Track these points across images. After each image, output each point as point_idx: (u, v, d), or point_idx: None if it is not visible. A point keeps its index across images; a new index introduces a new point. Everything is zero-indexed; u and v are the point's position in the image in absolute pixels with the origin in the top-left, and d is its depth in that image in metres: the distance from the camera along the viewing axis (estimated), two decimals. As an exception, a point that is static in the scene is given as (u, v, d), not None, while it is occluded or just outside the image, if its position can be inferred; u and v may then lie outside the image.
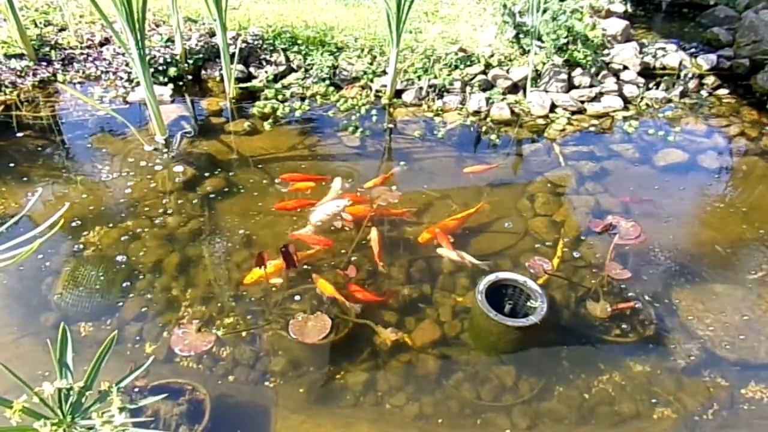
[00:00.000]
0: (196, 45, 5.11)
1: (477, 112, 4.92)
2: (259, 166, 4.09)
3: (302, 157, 4.24)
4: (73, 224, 3.48)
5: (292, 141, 4.45)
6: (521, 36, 5.28)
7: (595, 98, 5.14)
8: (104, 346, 1.83)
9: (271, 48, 5.22)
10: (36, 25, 5.18)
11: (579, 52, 5.15)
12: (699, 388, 2.80)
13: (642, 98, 5.24)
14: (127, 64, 4.95)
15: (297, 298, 3.07)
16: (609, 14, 5.81)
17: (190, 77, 5.09)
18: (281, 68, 5.11)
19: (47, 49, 5.01)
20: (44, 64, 4.91)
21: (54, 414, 1.71)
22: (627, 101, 5.18)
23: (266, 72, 5.04)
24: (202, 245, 3.36)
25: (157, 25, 5.31)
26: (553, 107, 5.02)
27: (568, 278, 3.29)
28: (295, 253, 3.11)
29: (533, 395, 2.72)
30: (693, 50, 5.81)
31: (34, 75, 4.80)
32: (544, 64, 5.15)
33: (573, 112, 5.01)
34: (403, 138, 4.59)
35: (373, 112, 4.86)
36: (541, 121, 4.88)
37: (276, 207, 3.49)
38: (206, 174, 3.97)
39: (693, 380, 2.84)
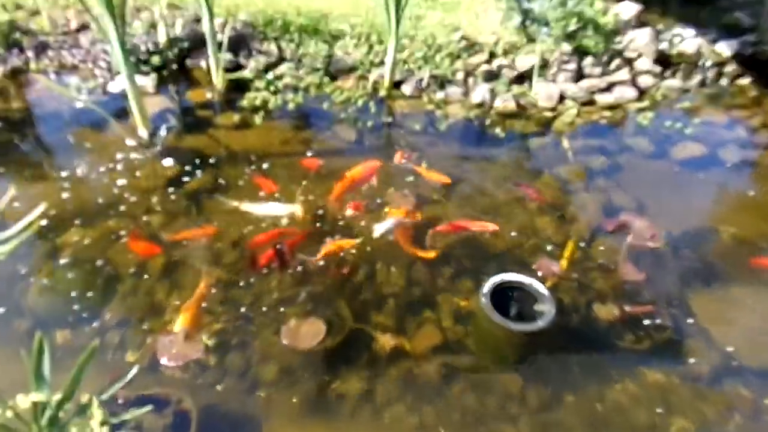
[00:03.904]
0: (181, 32, 5.10)
1: (480, 105, 4.92)
2: (250, 162, 4.09)
3: (295, 152, 4.25)
4: (50, 224, 3.48)
5: (285, 135, 4.45)
6: (528, 23, 5.29)
7: (607, 89, 5.14)
8: (85, 355, 1.82)
9: (262, 36, 5.22)
10: (5, 9, 5.11)
11: (589, 39, 5.16)
12: (719, 398, 2.80)
13: (657, 88, 5.24)
14: (106, 53, 4.93)
15: (291, 301, 3.10)
16: (621, -2, 5.85)
17: (174, 67, 5.08)
18: (272, 58, 5.12)
19: (18, 35, 4.95)
20: (15, 51, 4.87)
21: (29, 429, 1.70)
22: (641, 91, 5.19)
23: (257, 62, 5.05)
24: (188, 246, 3.36)
25: (139, 11, 5.30)
26: (561, 99, 5.03)
27: (578, 280, 3.31)
28: (290, 253, 3.14)
29: (541, 405, 2.73)
30: (712, 36, 5.81)
31: (5, 63, 4.77)
32: (552, 52, 5.15)
33: (583, 104, 5.01)
34: (402, 132, 4.60)
35: (371, 104, 4.86)
36: (548, 114, 4.89)
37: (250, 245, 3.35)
38: (192, 170, 3.97)
39: (712, 389, 2.84)
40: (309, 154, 4.21)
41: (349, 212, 3.54)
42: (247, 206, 3.56)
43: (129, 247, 3.29)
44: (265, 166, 4.04)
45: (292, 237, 3.32)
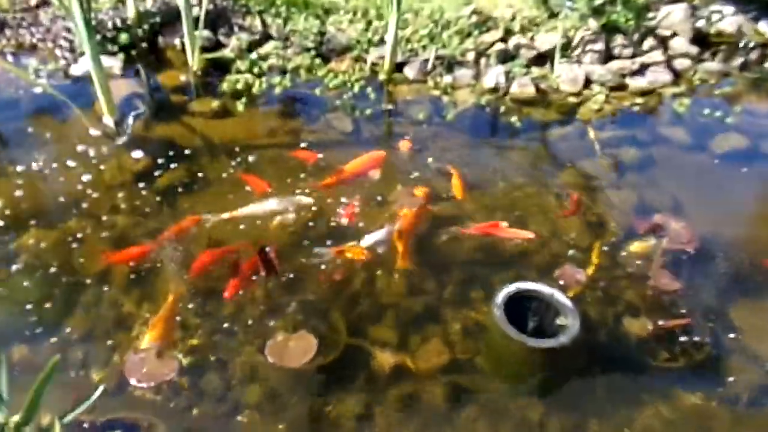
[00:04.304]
0: (152, 6, 5.11)
1: (494, 90, 4.93)
2: (232, 154, 4.10)
3: (284, 144, 4.25)
4: (3, 225, 3.49)
5: (271, 124, 4.45)
6: (549, -5, 5.33)
7: (639, 71, 5.16)
8: (45, 373, 1.84)
9: (244, 10, 5.23)
10: (-42, -15, 5.19)
11: (619, 14, 5.17)
12: (763, 423, 2.82)
13: (694, 71, 5.27)
14: (68, 31, 4.94)
15: (278, 312, 3.11)
16: (655, -31, 5.87)
17: (144, 46, 5.09)
18: (256, 35, 5.13)
19: (-29, 13, 5.02)
20: (-33, 30, 4.93)
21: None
22: (677, 75, 5.22)
23: (238, 40, 5.05)
24: (161, 251, 3.37)
25: (105, -18, 5.34)
26: (587, 83, 5.03)
27: (606, 290, 3.32)
28: (275, 258, 3.16)
29: (563, 432, 2.78)
30: (754, 13, 5.81)
31: (-46, 43, 4.81)
32: (576, 29, 5.16)
33: (612, 89, 5.02)
34: (404, 121, 4.61)
35: (369, 89, 4.87)
36: (572, 100, 4.90)
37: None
38: (165, 164, 3.97)
39: (755, 414, 2.85)
40: (303, 145, 4.24)
41: (343, 220, 3.56)
42: (245, 210, 3.55)
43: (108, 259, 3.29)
44: (251, 159, 4.07)
45: (244, 255, 3.29)
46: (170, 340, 2.90)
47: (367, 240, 3.42)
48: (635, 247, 3.58)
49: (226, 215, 3.54)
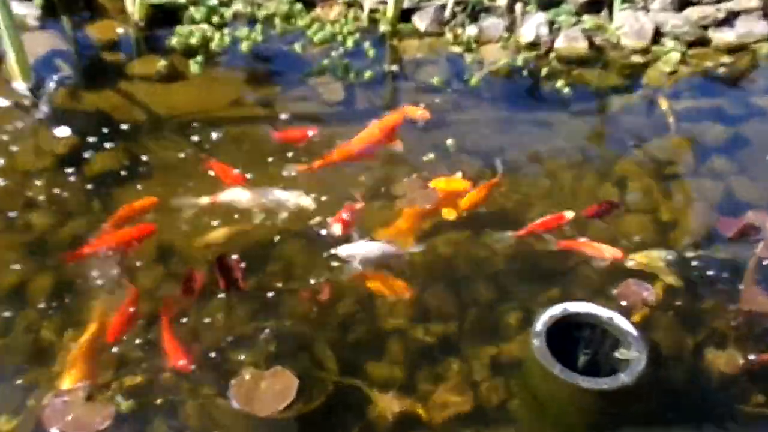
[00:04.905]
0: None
1: (533, 45, 4.93)
2: (186, 131, 4.09)
3: (251, 118, 4.24)
4: None
5: (235, 92, 4.42)
6: None
7: (726, 20, 5.16)
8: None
9: (201, -61, 5.23)
10: None
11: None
12: None
13: (801, 21, 5.26)
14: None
15: (246, 342, 3.10)
16: None
17: (69, -13, 5.12)
18: (217, -29, 5.14)
19: None
20: None
21: None
22: (778, 26, 5.22)
23: (193, -21, 5.08)
24: (90, 259, 3.36)
25: None
26: (657, 36, 5.03)
27: (683, 312, 3.32)
28: (237, 268, 3.19)
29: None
30: None
31: None
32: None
33: (690, 44, 5.02)
34: (414, 87, 4.58)
35: (366, 45, 4.85)
36: (637, 59, 4.90)
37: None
38: (98, 144, 3.97)
39: None
40: (283, 117, 4.24)
41: (336, 228, 3.55)
42: (229, 195, 3.59)
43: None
44: (213, 136, 4.06)
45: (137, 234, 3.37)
46: (93, 378, 2.91)
47: (348, 250, 3.39)
48: (721, 253, 3.59)
49: (205, 199, 3.57)
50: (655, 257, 3.51)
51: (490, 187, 3.72)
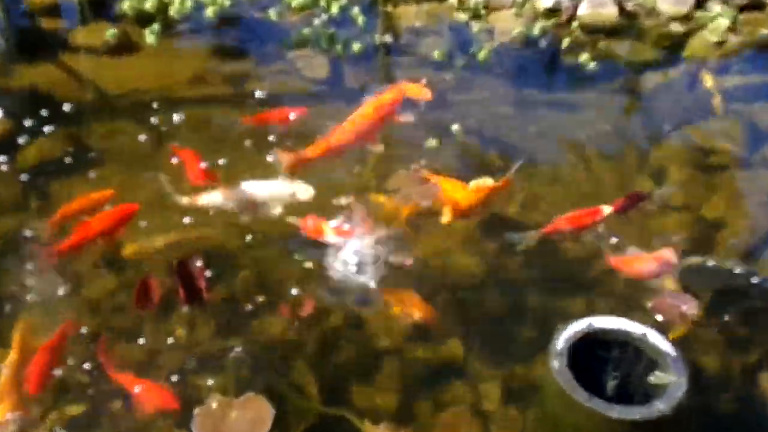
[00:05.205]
0: None
1: (553, 12, 4.95)
2: (138, 113, 4.08)
3: (217, 98, 4.23)
4: None
5: (198, 66, 4.44)
6: None
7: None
8: None
9: None
10: None
11: None
12: None
13: None
14: None
15: (212, 363, 3.08)
16: None
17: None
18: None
19: None
20: None
21: None
22: None
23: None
24: (22, 265, 3.32)
25: None
26: (700, 0, 5.03)
27: (729, 329, 3.30)
28: (201, 277, 3.18)
29: None
30: None
31: None
32: None
33: (741, 8, 5.01)
34: (411, 62, 4.58)
35: (355, 11, 4.87)
36: (677, 27, 4.89)
37: None
38: (35, 128, 3.93)
39: None
40: (259, 95, 4.15)
41: (330, 237, 3.51)
42: (211, 197, 3.52)
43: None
44: (175, 119, 3.99)
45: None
46: (29, 410, 2.87)
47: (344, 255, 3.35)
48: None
49: (185, 198, 3.52)
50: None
51: (494, 190, 3.63)
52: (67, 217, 3.43)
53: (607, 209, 3.50)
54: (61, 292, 3.26)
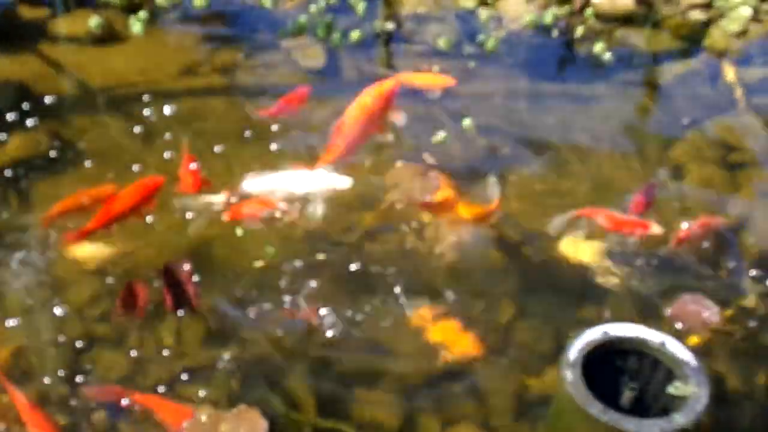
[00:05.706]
0: None
1: (566, -1, 4.97)
2: (126, 107, 4.06)
3: (207, 90, 4.23)
4: None
5: (187, 57, 4.43)
6: None
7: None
8: None
9: None
10: None
11: None
12: None
13: None
14: None
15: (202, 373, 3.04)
16: None
17: None
18: None
19: None
20: None
21: None
22: None
23: None
24: (2, 271, 3.35)
25: None
26: (721, -15, 5.03)
27: (753, 338, 3.25)
28: (190, 280, 3.17)
29: None
30: None
31: None
32: None
33: (765, -3, 5.01)
34: (414, 51, 4.56)
35: (355, -3, 4.92)
36: (697, 16, 4.84)
37: None
38: (13, 124, 3.93)
39: None
40: (252, 85, 4.18)
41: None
42: (255, 183, 3.48)
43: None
44: (166, 111, 4.00)
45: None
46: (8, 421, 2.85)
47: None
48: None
49: (220, 197, 3.48)
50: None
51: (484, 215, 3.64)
52: (63, 212, 3.41)
53: (656, 229, 3.43)
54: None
